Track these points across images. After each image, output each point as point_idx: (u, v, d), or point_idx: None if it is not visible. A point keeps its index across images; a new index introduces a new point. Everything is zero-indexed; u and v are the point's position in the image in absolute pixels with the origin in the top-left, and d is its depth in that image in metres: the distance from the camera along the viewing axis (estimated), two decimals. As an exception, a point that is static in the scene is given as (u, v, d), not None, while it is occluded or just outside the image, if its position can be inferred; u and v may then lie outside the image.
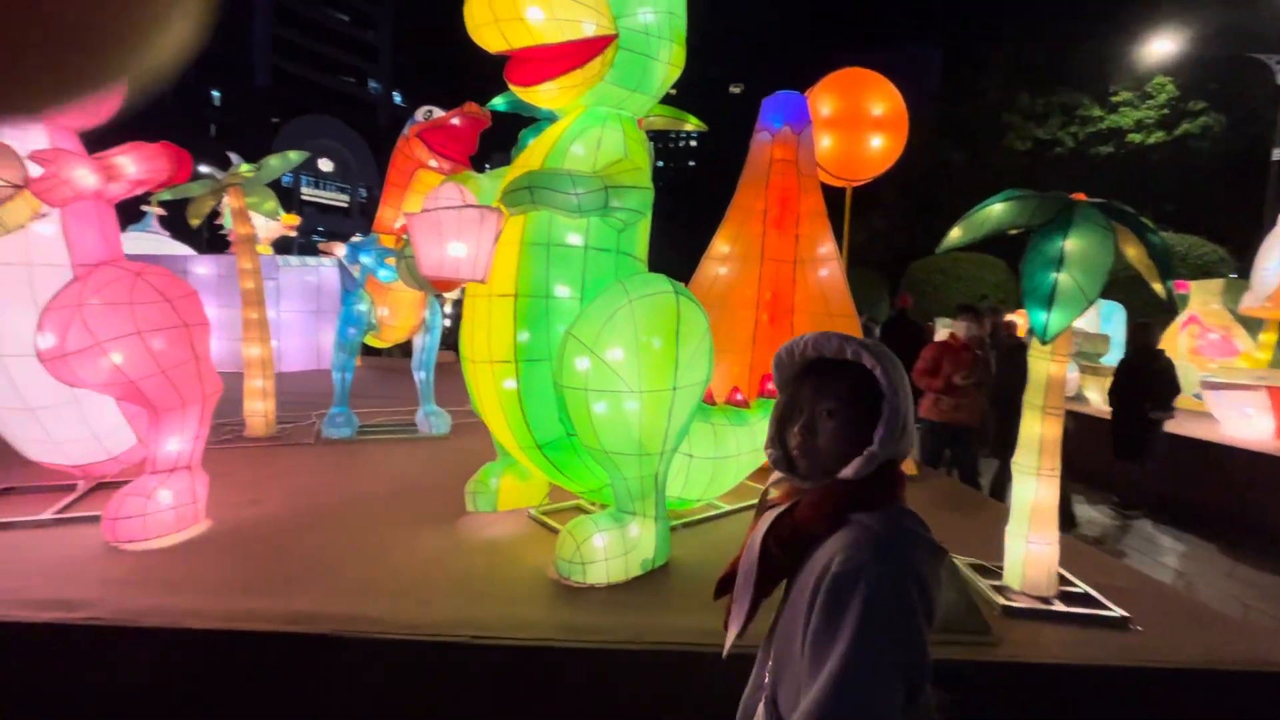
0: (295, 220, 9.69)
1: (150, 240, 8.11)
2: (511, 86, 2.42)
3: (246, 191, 4.31)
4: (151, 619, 1.93)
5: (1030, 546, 2.30)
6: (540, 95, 2.41)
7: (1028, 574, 2.31)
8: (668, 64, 2.51)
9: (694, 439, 2.69)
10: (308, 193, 46.99)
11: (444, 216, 2.13)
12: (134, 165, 2.46)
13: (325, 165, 47.20)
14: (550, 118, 3.87)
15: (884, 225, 21.39)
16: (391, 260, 3.91)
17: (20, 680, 1.93)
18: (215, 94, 49.59)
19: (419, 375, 4.73)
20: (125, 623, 1.90)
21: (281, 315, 8.01)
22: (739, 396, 3.13)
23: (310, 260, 8.64)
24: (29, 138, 2.37)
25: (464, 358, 2.63)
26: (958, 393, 4.29)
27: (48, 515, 2.65)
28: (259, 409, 4.36)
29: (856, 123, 4.57)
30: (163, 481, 2.55)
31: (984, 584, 2.40)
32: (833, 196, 4.45)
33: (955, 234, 2.35)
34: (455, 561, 2.49)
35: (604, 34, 2.29)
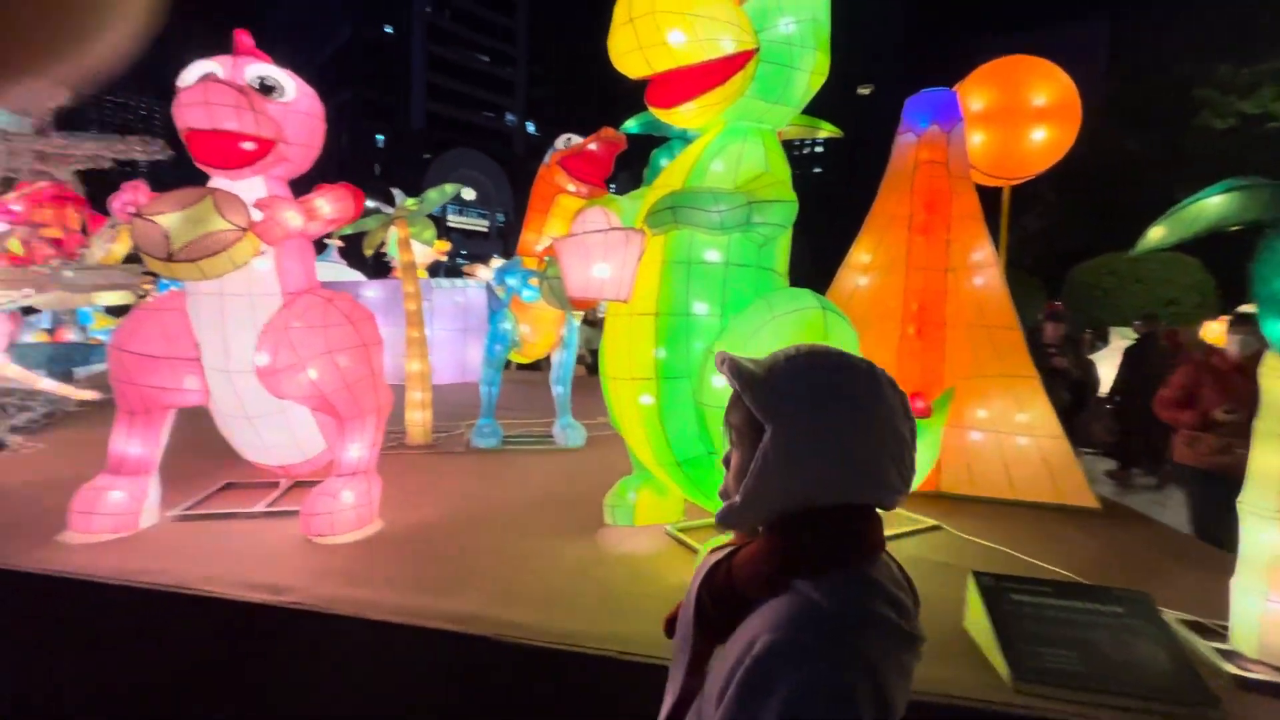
0: (446, 246, 10.67)
1: (331, 269, 9.31)
2: (652, 109, 2.47)
3: (410, 222, 4.80)
4: (339, 607, 2.16)
5: (1270, 606, 1.90)
6: (681, 116, 2.44)
7: (1266, 639, 1.91)
8: (811, 73, 2.44)
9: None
10: (453, 220, 51.69)
11: (591, 240, 2.22)
12: (328, 206, 2.83)
13: (468, 194, 51.60)
14: (682, 136, 3.92)
15: (1041, 225, 19.25)
16: (534, 281, 4.15)
17: (234, 649, 2.25)
18: (379, 138, 56.23)
19: (556, 389, 4.96)
20: (319, 609, 2.15)
21: (434, 333, 8.80)
22: (919, 404, 2.94)
23: (459, 282, 9.42)
24: (250, 187, 2.81)
25: (605, 374, 2.71)
26: (1221, 430, 3.38)
27: (259, 509, 3.08)
28: (418, 419, 4.79)
29: (1016, 116, 4.15)
30: (346, 483, 2.87)
31: (1203, 645, 2.03)
32: (987, 197, 4.07)
33: (1158, 233, 2.03)
34: (597, 573, 2.54)
35: (744, 49, 2.27)
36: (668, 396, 2.43)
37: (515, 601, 2.26)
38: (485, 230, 57.29)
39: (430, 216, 5.15)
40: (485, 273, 10.18)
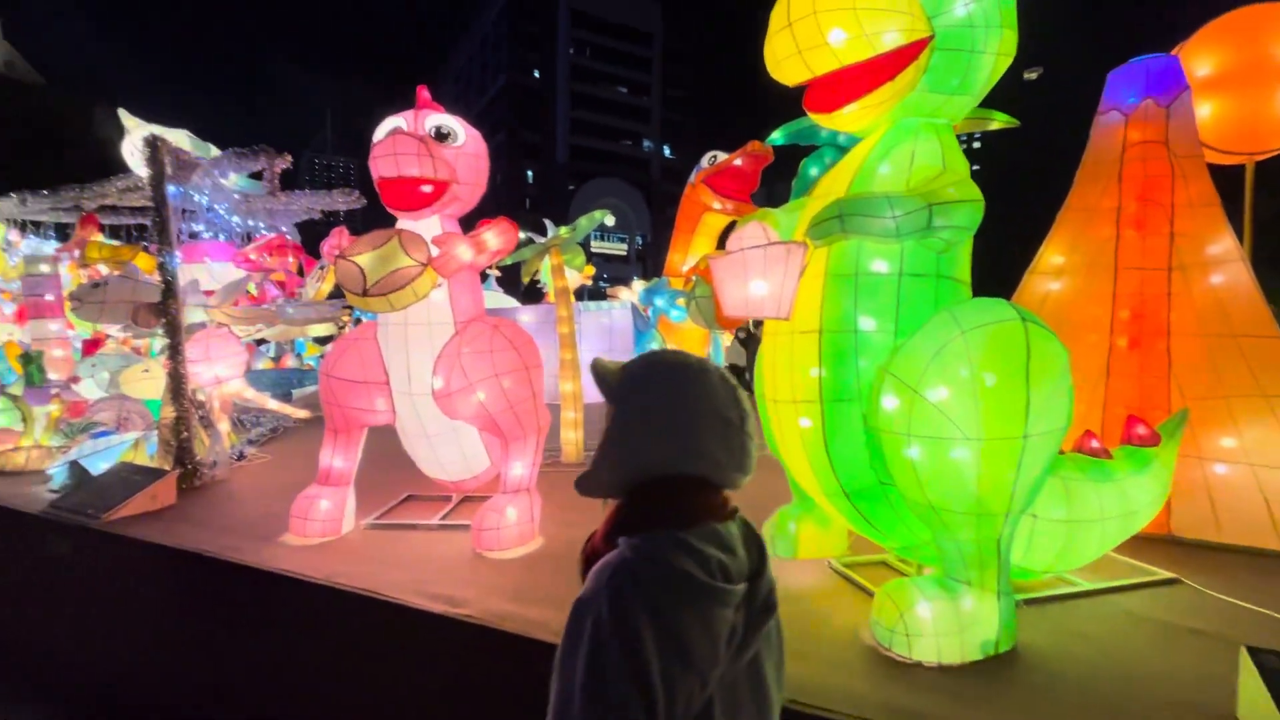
0: (591, 270, 11.17)
1: (492, 297, 10.15)
2: (811, 115, 2.33)
3: (563, 249, 5.04)
4: (508, 624, 2.24)
5: None
6: (844, 119, 2.28)
7: None
8: (996, 55, 2.16)
9: (1039, 496, 2.19)
10: (595, 245, 54.28)
11: (750, 256, 2.12)
12: (495, 239, 3.03)
13: (609, 220, 54.14)
14: (832, 143, 3.70)
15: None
16: (681, 301, 4.14)
17: (415, 654, 2.42)
18: (529, 174, 60.88)
19: (703, 409, 4.89)
20: (491, 624, 2.23)
21: (582, 354, 9.19)
22: (1094, 443, 2.48)
23: (604, 305, 9.77)
24: (429, 226, 3.08)
25: (763, 397, 2.58)
26: None
27: (434, 521, 3.33)
28: (572, 438, 4.96)
29: (1262, 75, 3.40)
30: (511, 501, 3.01)
31: None
32: (1225, 178, 3.36)
33: None
34: (758, 608, 2.40)
35: (915, 39, 2.06)
36: (833, 420, 2.25)
37: (675, 632, 2.19)
38: (625, 254, 59.49)
39: (579, 243, 5.39)
40: (628, 294, 10.48)
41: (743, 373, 10.92)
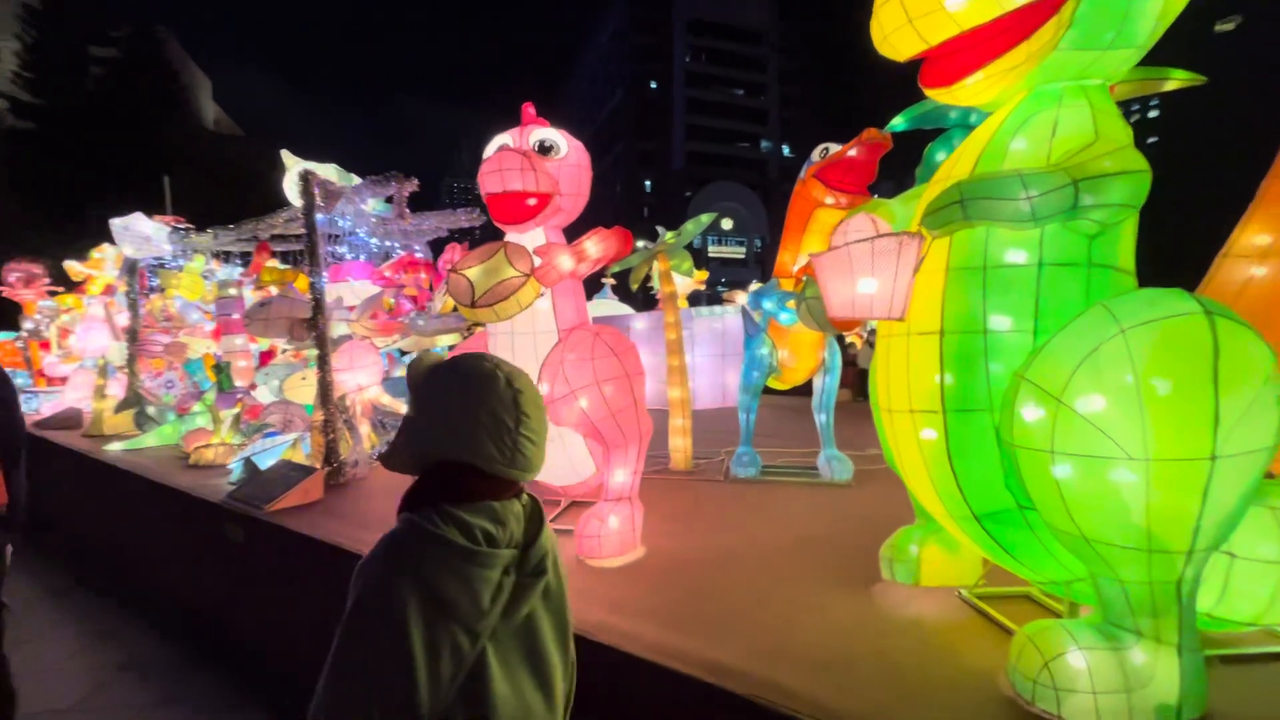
0: (703, 275, 11.07)
1: (607, 305, 10.40)
2: (928, 92, 2.08)
3: (669, 255, 5.00)
4: (603, 635, 2.21)
5: None
6: (966, 92, 2.01)
7: None
8: (1165, -3, 1.80)
9: (1239, 530, 1.77)
10: (713, 250, 54.03)
11: (855, 251, 1.93)
12: (595, 246, 3.05)
13: (725, 223, 53.69)
14: (964, 124, 3.33)
15: None
16: (792, 303, 3.92)
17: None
18: (647, 183, 62.02)
19: (819, 417, 4.61)
20: (587, 633, 2.22)
21: (695, 359, 9.11)
22: None
23: (718, 310, 9.63)
24: (534, 238, 3.17)
25: (878, 406, 2.35)
26: None
27: (543, 524, 3.41)
28: (680, 445, 4.90)
29: None
30: (613, 509, 3.00)
31: None
32: None
33: None
34: (875, 640, 2.17)
35: (1057, -11, 1.77)
36: (959, 433, 1.98)
37: (781, 660, 2.03)
38: (742, 257, 58.67)
39: (688, 247, 5.32)
40: (743, 298, 10.28)
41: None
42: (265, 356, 6.74)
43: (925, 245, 1.96)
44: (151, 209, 7.46)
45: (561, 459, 3.44)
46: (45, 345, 10.51)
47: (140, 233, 6.76)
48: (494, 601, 1.02)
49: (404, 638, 0.90)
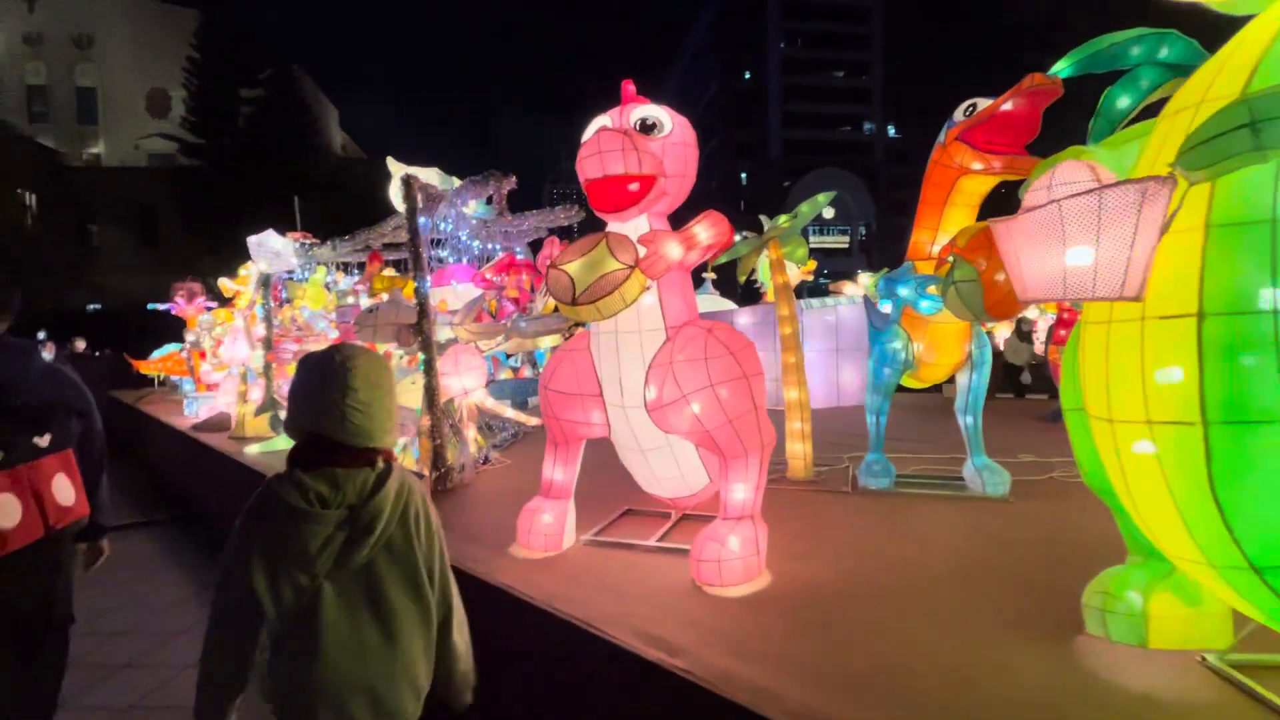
0: (812, 265, 10.37)
1: (707, 300, 9.99)
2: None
3: (782, 242, 4.54)
4: (730, 688, 1.85)
5: None
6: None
7: None
8: None
9: None
10: (814, 240, 51.83)
11: (1071, 209, 1.44)
12: (705, 232, 2.69)
13: (827, 212, 51.34)
14: (1151, 61, 2.65)
15: None
16: (935, 289, 3.36)
17: (617, 699, 2.15)
18: (743, 175, 60.70)
19: (964, 420, 3.97)
20: (712, 686, 1.87)
21: (807, 356, 8.49)
22: None
23: (829, 301, 8.94)
24: (637, 227, 2.86)
25: (1076, 409, 1.82)
26: None
27: (653, 543, 3.10)
28: (799, 451, 4.43)
29: None
30: (732, 529, 2.63)
31: None
32: None
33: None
34: (1087, 717, 1.66)
35: None
36: (1229, 454, 1.43)
37: (959, 740, 1.58)
38: (846, 246, 55.85)
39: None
40: (854, 289, 9.47)
41: (1019, 373, 9.08)
42: (381, 361, 7.00)
43: (1177, 195, 1.43)
44: (287, 228, 8.02)
45: (670, 469, 3.12)
46: (204, 355, 11.77)
47: (271, 248, 7.24)
48: (324, 550, 1.33)
49: (248, 574, 1.30)
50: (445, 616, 1.57)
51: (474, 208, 5.14)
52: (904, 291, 3.53)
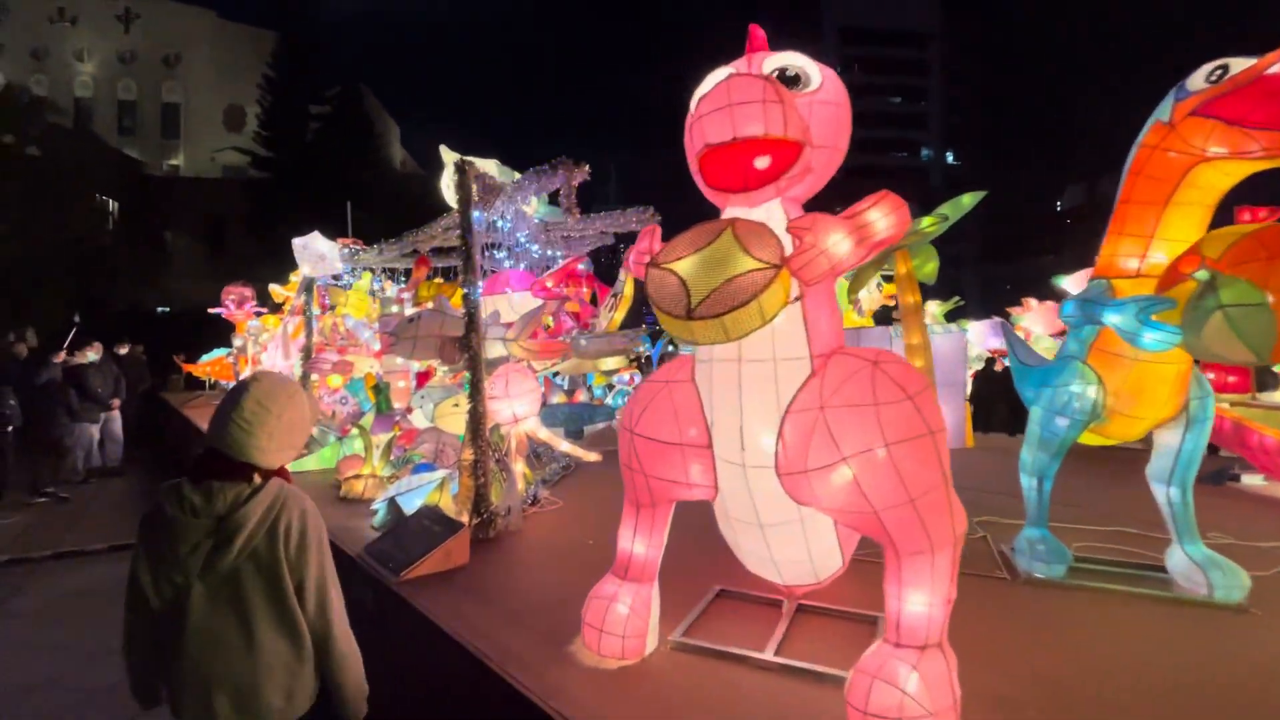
0: (891, 290, 9.38)
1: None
2: None
3: (913, 253, 3.66)
4: None
5: None
6: None
7: None
8: None
9: None
10: (868, 267, 50.06)
11: None
12: (883, 222, 1.85)
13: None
14: None
15: None
16: (1171, 316, 2.41)
17: None
18: (795, 200, 59.67)
19: (1169, 492, 2.96)
20: None
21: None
22: None
23: (937, 328, 7.92)
24: (767, 215, 2.06)
25: None
26: None
27: (769, 656, 2.23)
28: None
29: None
30: (911, 663, 1.74)
31: None
32: None
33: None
34: None
35: None
36: None
37: None
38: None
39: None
40: (1032, 317, 8.28)
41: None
42: (422, 377, 6.37)
43: None
44: (338, 235, 7.59)
45: (797, 552, 2.26)
46: (251, 361, 11.53)
47: (316, 251, 6.77)
48: (192, 554, 1.53)
49: (137, 569, 1.57)
50: (325, 631, 1.66)
51: (536, 207, 4.45)
52: (1115, 319, 2.58)
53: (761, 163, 1.93)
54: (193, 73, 42.84)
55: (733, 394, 2.02)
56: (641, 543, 2.33)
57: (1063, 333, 7.37)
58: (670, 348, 10.24)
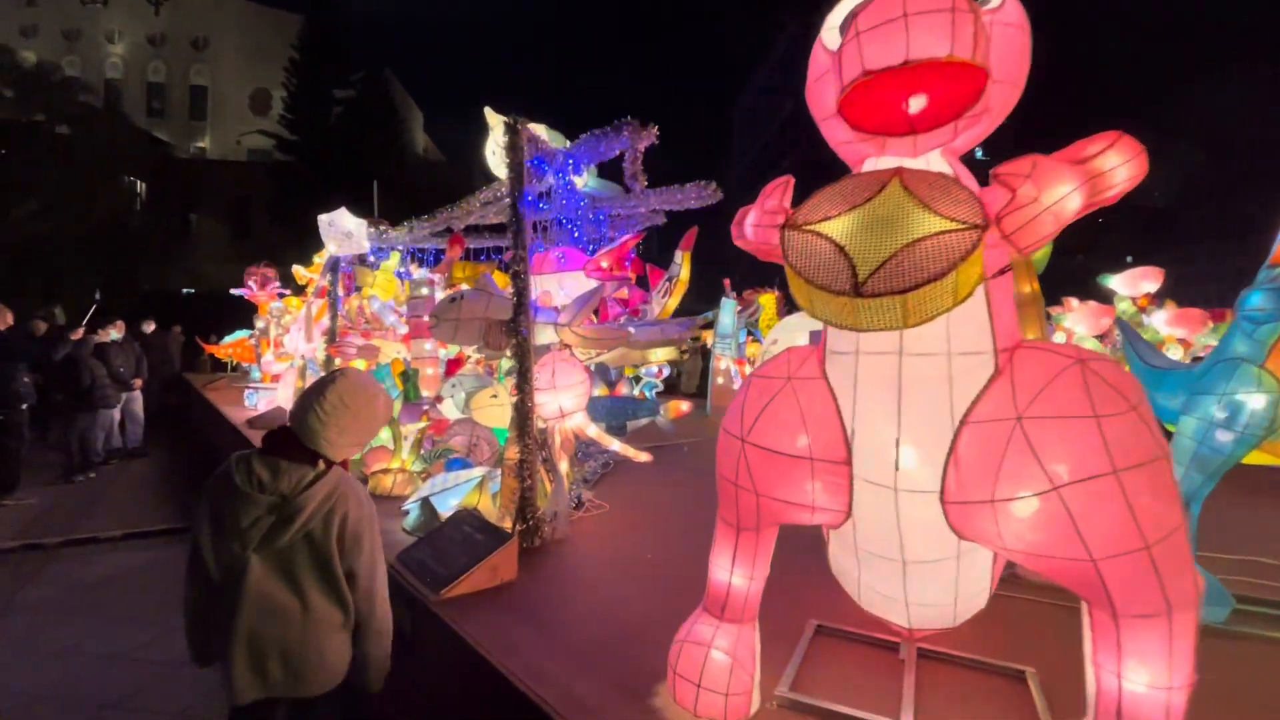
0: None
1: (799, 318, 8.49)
2: None
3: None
4: None
5: None
6: None
7: None
8: None
9: None
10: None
11: None
12: (1123, 170, 1.38)
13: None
14: None
15: None
16: None
17: None
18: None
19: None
20: None
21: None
22: None
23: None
24: (927, 166, 1.59)
25: None
26: None
27: (911, 724, 1.78)
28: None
29: None
30: (1144, 766, 1.29)
31: None
32: None
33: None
34: None
35: None
36: None
37: None
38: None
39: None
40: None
41: None
42: (452, 365, 5.98)
43: None
44: (364, 213, 7.23)
45: (942, 595, 1.81)
46: (274, 344, 11.28)
47: (343, 228, 6.40)
48: (253, 527, 1.62)
49: (199, 532, 1.65)
50: (369, 610, 1.77)
51: (586, 180, 4.02)
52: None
53: (942, 95, 1.46)
54: (220, 56, 42.96)
55: (887, 397, 1.57)
56: (742, 574, 1.90)
57: (1102, 336, 6.82)
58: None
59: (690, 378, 11.86)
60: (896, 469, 1.57)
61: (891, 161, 1.62)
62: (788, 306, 11.14)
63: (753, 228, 1.71)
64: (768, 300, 10.16)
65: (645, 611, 2.52)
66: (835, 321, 1.40)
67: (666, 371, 8.58)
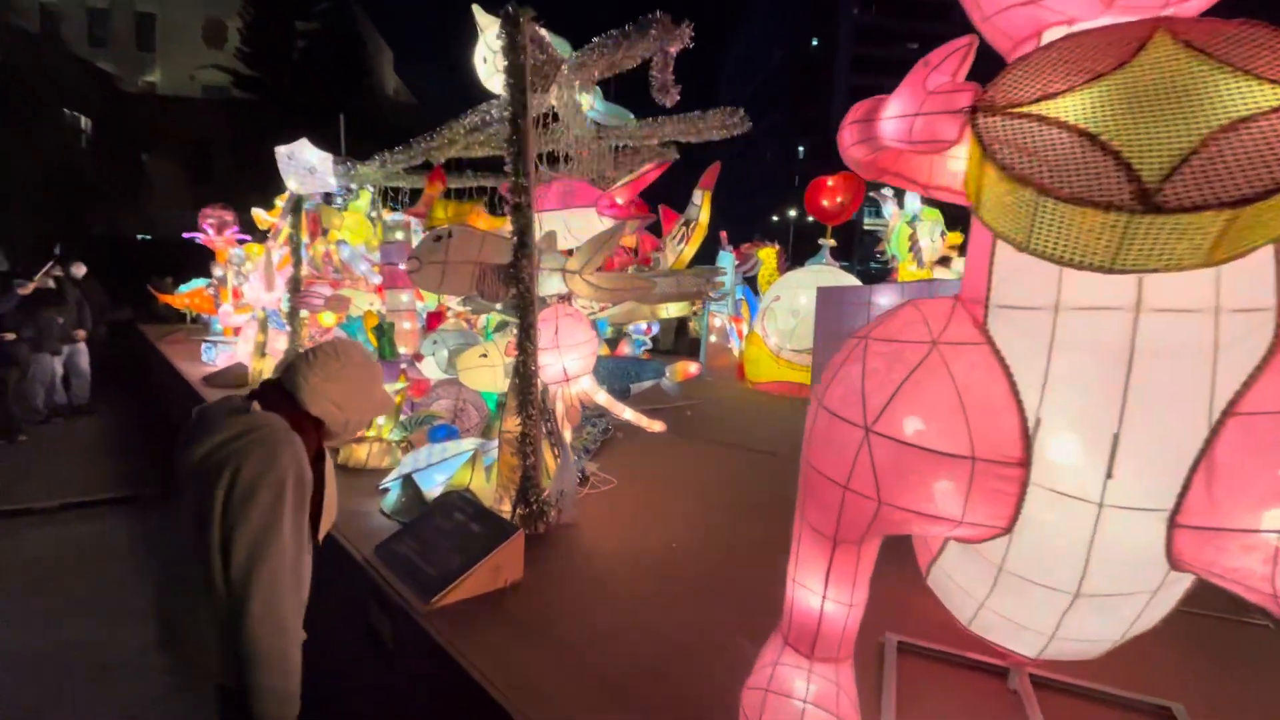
0: (958, 239, 8.36)
1: (829, 273, 8.05)
2: None
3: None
4: None
5: None
6: None
7: None
8: None
9: None
10: (868, 223, 48.57)
11: None
12: None
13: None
14: None
15: None
16: None
17: None
18: (800, 149, 57.55)
19: None
20: None
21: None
22: None
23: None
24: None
25: None
26: None
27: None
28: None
29: None
30: None
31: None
32: None
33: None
34: None
35: None
36: None
37: None
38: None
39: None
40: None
41: None
42: (433, 319, 5.38)
43: None
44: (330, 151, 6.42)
45: (1109, 630, 1.37)
46: (235, 294, 10.42)
47: (305, 162, 5.65)
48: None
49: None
50: (241, 600, 1.32)
51: (588, 102, 3.38)
52: None
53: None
54: (168, -21, 39.56)
55: (1105, 373, 1.07)
56: (839, 598, 1.43)
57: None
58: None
59: (666, 334, 11.29)
60: (1109, 477, 1.09)
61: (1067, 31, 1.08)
62: (790, 261, 10.63)
63: (903, 120, 1.16)
64: (767, 254, 9.63)
65: (684, 621, 2.07)
66: (1081, 256, 0.88)
67: (655, 329, 8.07)
